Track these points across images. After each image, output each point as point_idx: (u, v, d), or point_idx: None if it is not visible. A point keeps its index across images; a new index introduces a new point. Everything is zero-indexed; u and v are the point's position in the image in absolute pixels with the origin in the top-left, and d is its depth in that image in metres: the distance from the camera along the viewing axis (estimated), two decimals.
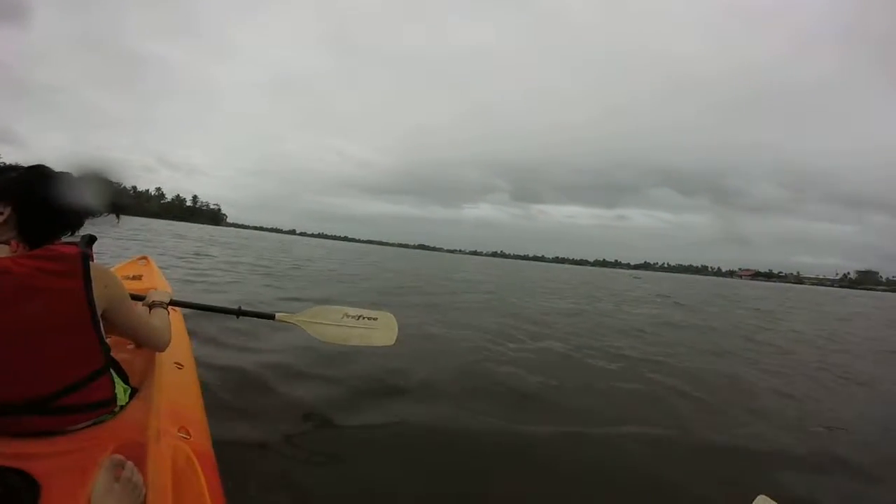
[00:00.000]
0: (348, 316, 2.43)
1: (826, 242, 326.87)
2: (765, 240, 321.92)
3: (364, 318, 2.45)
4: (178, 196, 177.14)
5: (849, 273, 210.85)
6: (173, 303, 1.79)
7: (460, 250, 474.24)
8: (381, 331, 2.45)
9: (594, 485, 1.98)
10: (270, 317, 2.33)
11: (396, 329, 2.49)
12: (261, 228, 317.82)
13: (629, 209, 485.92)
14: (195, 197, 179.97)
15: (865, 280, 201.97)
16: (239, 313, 2.23)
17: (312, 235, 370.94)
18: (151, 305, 1.60)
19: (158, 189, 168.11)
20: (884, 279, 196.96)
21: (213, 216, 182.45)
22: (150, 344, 1.38)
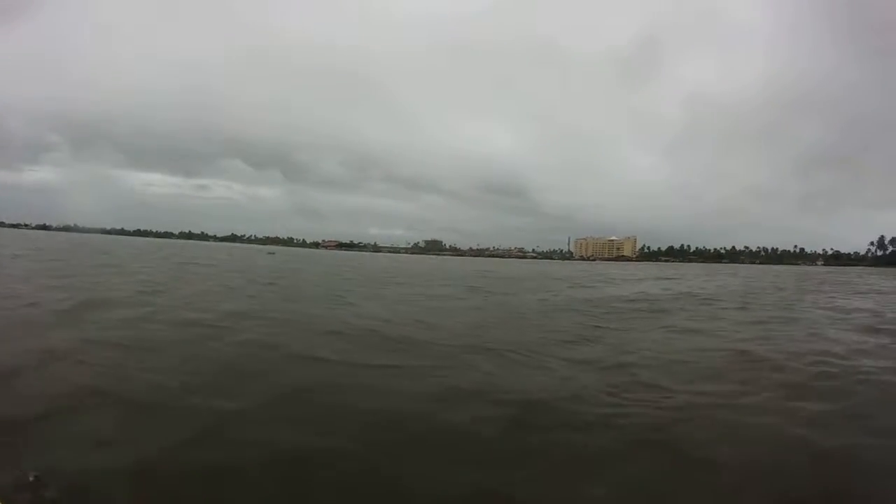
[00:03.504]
0: None
1: (390, 216, 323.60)
2: (336, 213, 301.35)
3: None
4: None
5: (419, 242, 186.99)
6: None
7: (26, 224, 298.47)
8: None
9: None
10: None
11: None
12: None
13: (208, 179, 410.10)
14: None
15: (433, 247, 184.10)
16: None
17: None
18: None
19: None
20: (447, 246, 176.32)
21: None
22: None
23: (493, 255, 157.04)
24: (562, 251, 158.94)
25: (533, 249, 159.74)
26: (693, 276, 36.90)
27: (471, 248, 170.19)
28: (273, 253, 47.72)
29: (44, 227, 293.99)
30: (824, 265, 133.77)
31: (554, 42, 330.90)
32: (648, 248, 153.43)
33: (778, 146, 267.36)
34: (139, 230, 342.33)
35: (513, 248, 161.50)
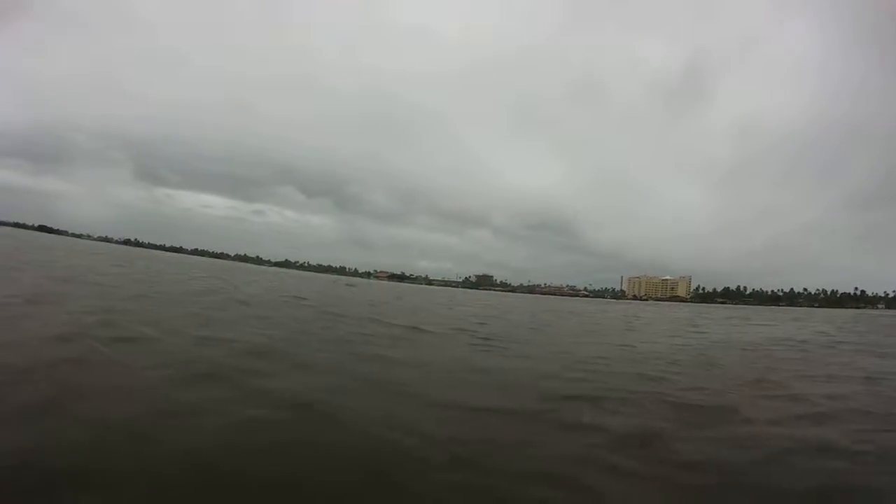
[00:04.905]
0: None
1: (438, 249, 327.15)
2: (385, 244, 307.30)
3: None
4: None
5: (470, 277, 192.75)
6: None
7: (88, 235, 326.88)
8: None
9: None
10: None
11: None
12: None
13: (265, 204, 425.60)
14: None
15: (483, 282, 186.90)
16: None
17: None
18: None
19: None
20: (498, 282, 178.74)
21: None
22: None
23: (545, 293, 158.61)
24: (613, 290, 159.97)
25: (585, 288, 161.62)
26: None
27: (521, 284, 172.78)
28: (353, 286, 48.48)
29: (105, 240, 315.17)
30: (886, 308, 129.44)
31: (593, 73, 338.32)
32: (703, 288, 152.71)
33: (833, 181, 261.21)
34: (196, 249, 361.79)
35: (564, 285, 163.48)
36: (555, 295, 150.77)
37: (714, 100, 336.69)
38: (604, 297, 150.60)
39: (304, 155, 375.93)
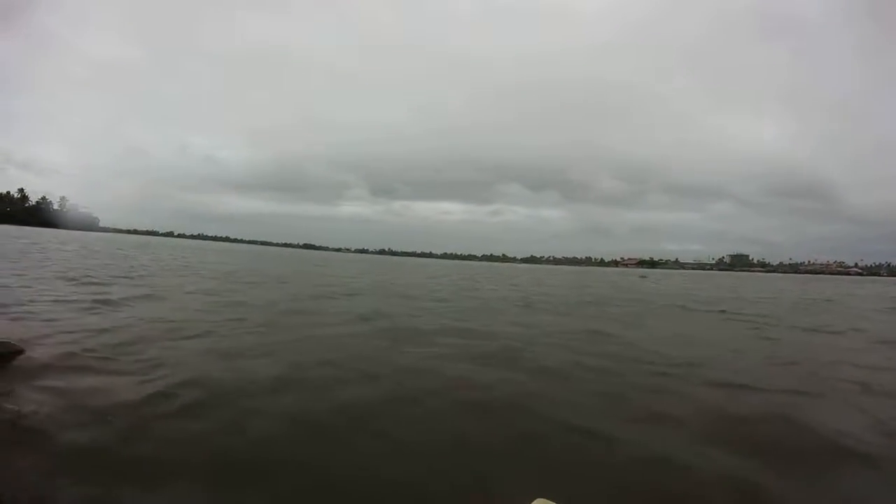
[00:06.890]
0: None
1: (679, 229, 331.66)
2: (622, 230, 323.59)
3: None
4: (43, 198, 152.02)
5: (724, 257, 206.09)
6: None
7: (346, 248, 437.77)
8: None
9: None
10: None
11: None
12: (135, 232, 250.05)
13: (498, 204, 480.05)
14: (63, 199, 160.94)
15: (739, 263, 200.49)
16: None
17: (192, 237, 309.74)
18: None
19: (21, 191, 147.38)
20: (756, 261, 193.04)
21: (86, 221, 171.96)
22: None
23: (811, 272, 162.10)
24: (889, 265, 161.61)
25: (856, 264, 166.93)
26: None
27: (781, 262, 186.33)
28: (645, 276, 46.30)
29: (362, 251, 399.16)
30: None
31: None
32: None
33: None
34: (445, 253, 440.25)
35: (830, 261, 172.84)
36: (822, 273, 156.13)
37: None
38: (879, 275, 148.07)
39: (518, 154, 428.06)
